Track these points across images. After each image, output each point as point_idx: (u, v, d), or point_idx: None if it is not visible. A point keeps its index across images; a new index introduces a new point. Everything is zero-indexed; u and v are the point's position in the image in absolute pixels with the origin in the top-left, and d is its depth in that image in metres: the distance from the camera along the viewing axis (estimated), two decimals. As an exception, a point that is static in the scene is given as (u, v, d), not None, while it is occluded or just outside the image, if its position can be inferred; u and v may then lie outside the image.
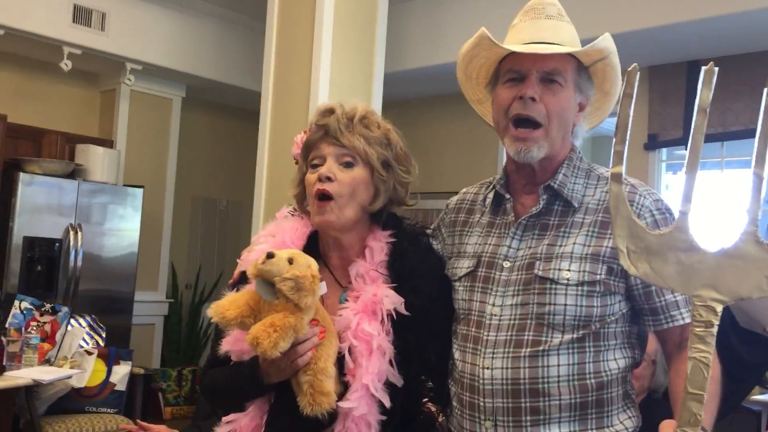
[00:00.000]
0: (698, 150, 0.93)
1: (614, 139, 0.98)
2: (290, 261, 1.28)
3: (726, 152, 4.93)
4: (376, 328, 1.35)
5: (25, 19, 4.91)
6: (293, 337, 1.27)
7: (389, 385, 1.35)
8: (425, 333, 1.40)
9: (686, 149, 0.94)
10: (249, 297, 1.33)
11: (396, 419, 1.37)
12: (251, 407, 1.41)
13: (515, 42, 1.42)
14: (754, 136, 0.91)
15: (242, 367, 1.39)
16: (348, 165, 1.40)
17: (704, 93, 0.93)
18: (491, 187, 1.52)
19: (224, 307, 1.31)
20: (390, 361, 1.35)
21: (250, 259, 1.40)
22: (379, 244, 1.43)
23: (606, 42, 1.39)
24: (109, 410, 4.04)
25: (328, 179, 1.38)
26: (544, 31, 1.40)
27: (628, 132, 0.97)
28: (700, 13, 4.11)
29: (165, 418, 5.84)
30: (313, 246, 1.48)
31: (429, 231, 1.58)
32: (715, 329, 0.91)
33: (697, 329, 0.92)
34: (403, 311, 1.36)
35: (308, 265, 1.29)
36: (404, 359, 1.37)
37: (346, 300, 1.41)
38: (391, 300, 1.37)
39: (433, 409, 1.55)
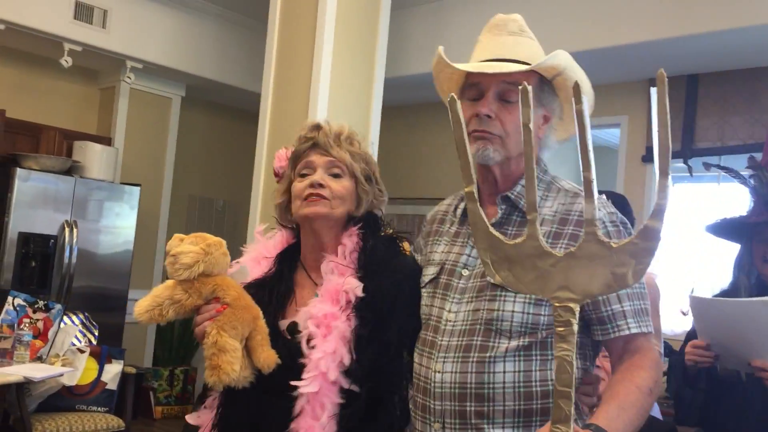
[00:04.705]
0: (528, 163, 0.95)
1: (460, 161, 1.01)
2: (182, 240, 1.38)
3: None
4: (335, 311, 1.42)
5: (26, 14, 4.91)
6: (173, 309, 1.35)
7: (349, 369, 1.40)
8: (388, 318, 1.45)
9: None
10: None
11: (359, 405, 1.40)
12: (209, 399, 1.51)
13: (477, 57, 1.48)
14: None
15: None
16: (336, 176, 1.49)
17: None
18: (462, 199, 1.58)
19: (152, 292, 1.41)
20: (348, 342, 1.41)
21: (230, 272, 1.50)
22: (351, 241, 1.51)
23: (557, 59, 1.42)
24: (99, 409, 4.02)
25: (320, 185, 1.47)
26: (504, 47, 1.45)
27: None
28: (700, 28, 4.12)
29: (156, 417, 5.83)
30: (290, 253, 1.58)
31: (406, 237, 1.65)
32: (574, 327, 0.95)
33: (559, 329, 0.96)
34: (360, 293, 1.43)
35: (196, 243, 1.38)
36: (364, 342, 1.42)
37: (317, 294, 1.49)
38: (351, 285, 1.44)
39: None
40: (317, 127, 1.54)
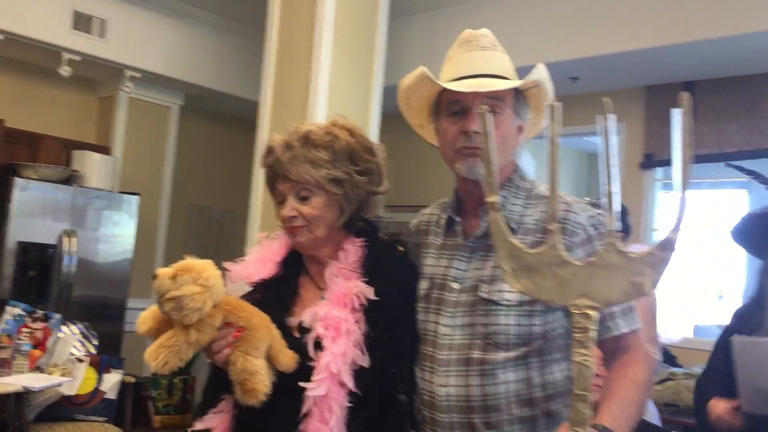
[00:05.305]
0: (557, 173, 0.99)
1: (484, 172, 1.05)
2: (174, 278, 1.29)
3: (721, 172, 4.95)
4: (345, 314, 1.43)
5: (25, 24, 4.92)
6: (191, 349, 1.32)
7: (359, 372, 1.41)
8: (396, 320, 1.46)
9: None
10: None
11: (369, 407, 1.41)
12: (222, 403, 1.49)
13: (452, 74, 1.50)
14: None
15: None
16: (304, 198, 1.48)
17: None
18: (445, 209, 1.61)
19: (142, 318, 1.37)
20: (358, 345, 1.41)
21: (236, 270, 1.52)
22: (353, 248, 1.52)
23: (539, 74, 1.49)
24: (98, 418, 4.01)
25: (293, 218, 1.48)
26: (479, 62, 1.49)
27: (493, 164, 1.05)
28: (697, 35, 4.14)
29: (155, 426, 5.81)
30: (295, 258, 1.57)
31: (401, 240, 1.65)
32: (592, 333, 0.99)
33: (577, 335, 1.00)
34: (372, 296, 1.44)
35: (194, 280, 1.30)
36: (375, 344, 1.43)
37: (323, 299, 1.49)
38: (361, 289, 1.45)
39: None
40: (269, 153, 1.51)
